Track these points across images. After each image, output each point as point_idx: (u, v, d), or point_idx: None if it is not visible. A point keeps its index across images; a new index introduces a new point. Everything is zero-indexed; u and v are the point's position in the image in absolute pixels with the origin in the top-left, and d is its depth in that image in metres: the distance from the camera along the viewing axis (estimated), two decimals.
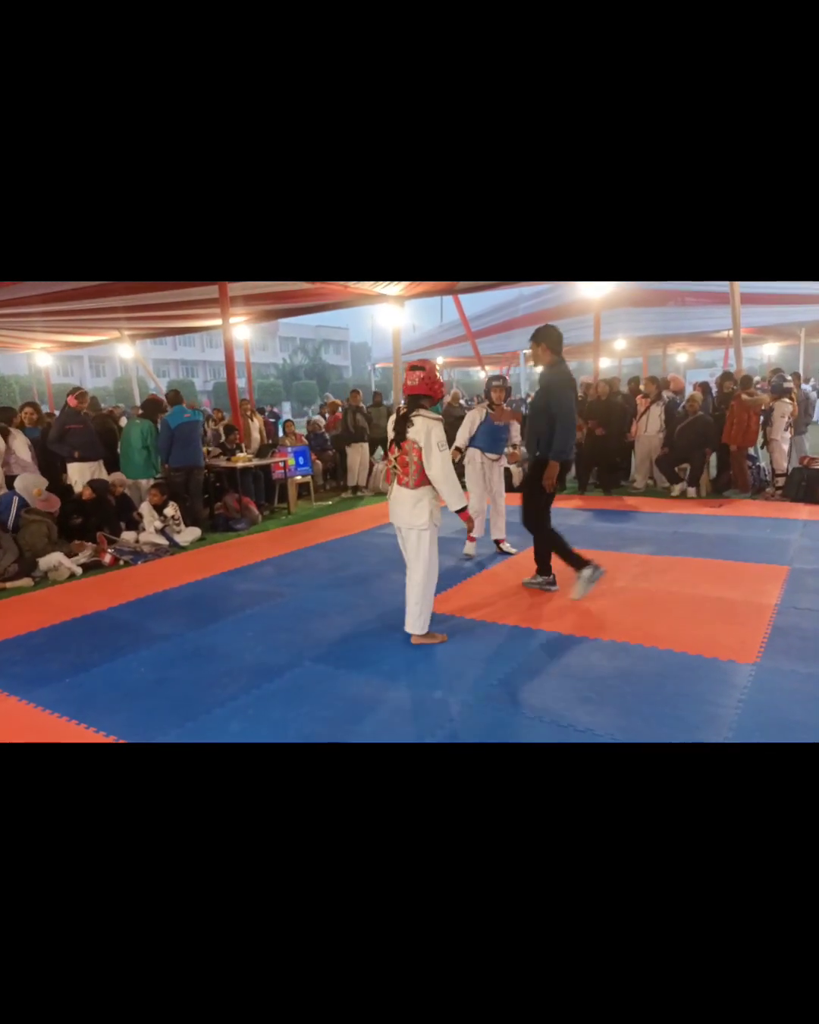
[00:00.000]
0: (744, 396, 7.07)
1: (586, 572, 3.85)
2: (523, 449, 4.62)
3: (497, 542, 5.19)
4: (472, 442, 4.91)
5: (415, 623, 3.42)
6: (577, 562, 3.88)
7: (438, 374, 3.28)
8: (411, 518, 3.25)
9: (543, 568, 4.19)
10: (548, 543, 4.04)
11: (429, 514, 3.24)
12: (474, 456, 4.93)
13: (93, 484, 6.07)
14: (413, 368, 3.24)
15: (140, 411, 7.11)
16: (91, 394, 7.02)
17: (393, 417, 3.34)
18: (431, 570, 3.34)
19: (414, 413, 3.18)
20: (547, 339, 3.87)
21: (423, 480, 3.21)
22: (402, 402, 3.37)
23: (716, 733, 2.42)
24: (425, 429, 3.13)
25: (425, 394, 3.22)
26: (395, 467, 3.27)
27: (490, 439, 4.90)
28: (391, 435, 3.29)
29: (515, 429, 4.97)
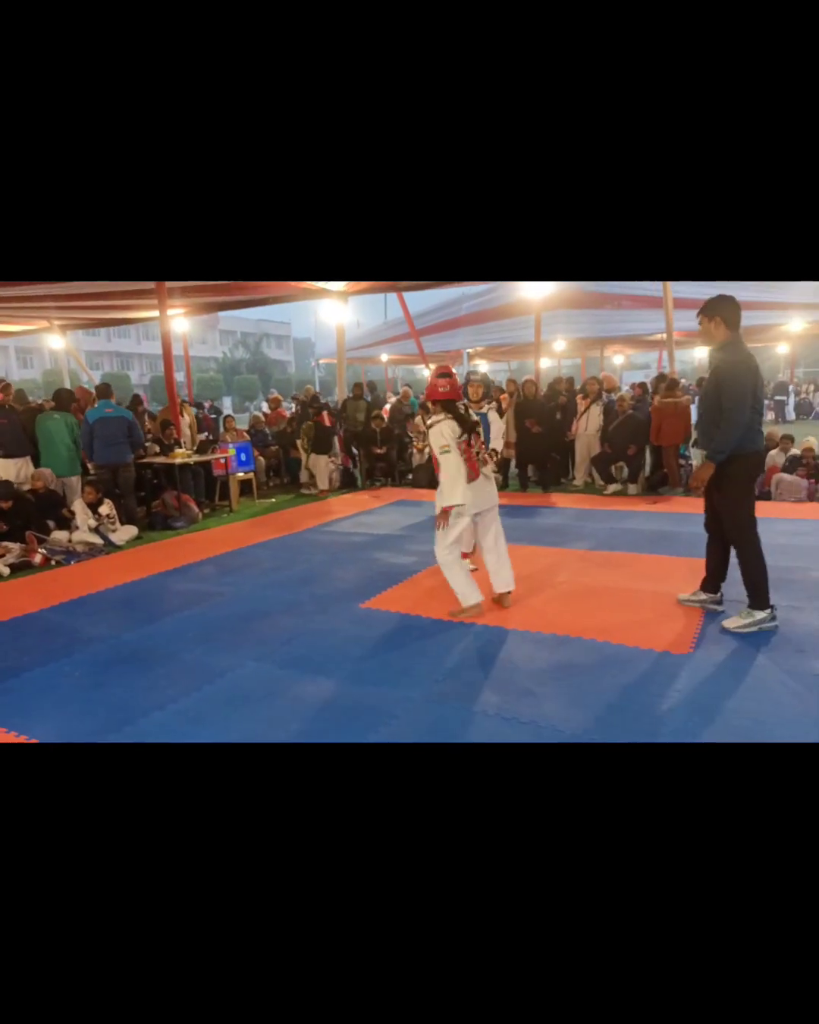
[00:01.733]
0: (666, 398, 7.36)
1: (763, 615, 3.33)
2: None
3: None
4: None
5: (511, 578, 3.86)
6: (762, 594, 3.33)
7: (454, 379, 3.60)
8: (496, 497, 3.77)
9: (751, 595, 3.33)
10: (754, 558, 3.29)
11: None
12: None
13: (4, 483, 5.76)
14: (442, 375, 3.55)
15: (52, 404, 6.80)
16: (16, 387, 6.69)
17: (450, 421, 3.49)
18: None
19: (477, 407, 3.83)
20: (723, 312, 3.19)
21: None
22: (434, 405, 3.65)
23: (654, 722, 2.51)
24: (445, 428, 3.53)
25: (454, 400, 3.55)
26: (479, 455, 3.61)
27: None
28: (460, 431, 3.49)
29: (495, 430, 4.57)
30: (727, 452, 3.19)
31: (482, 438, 3.64)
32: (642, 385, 8.88)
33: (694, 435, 7.53)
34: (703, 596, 3.67)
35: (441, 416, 3.49)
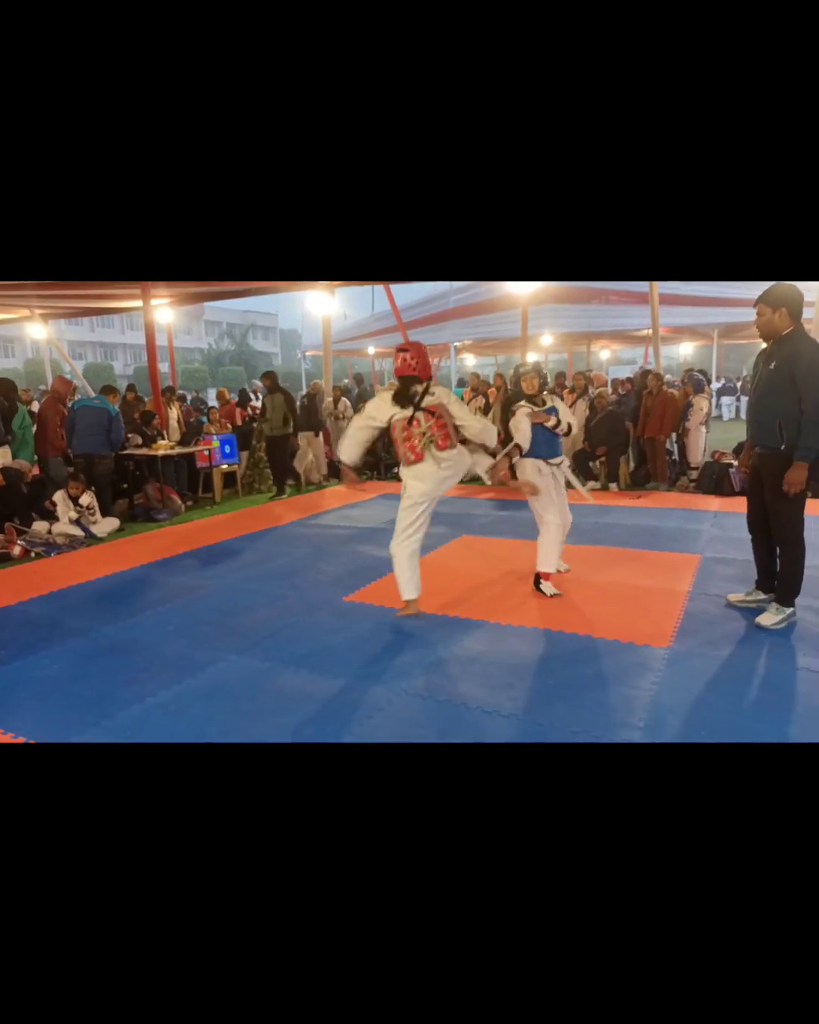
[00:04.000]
0: (666, 389, 7.38)
1: (790, 611, 3.33)
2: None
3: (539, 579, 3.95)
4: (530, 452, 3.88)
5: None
6: (793, 593, 3.32)
7: (426, 355, 3.39)
8: (468, 467, 3.46)
9: (784, 592, 3.32)
10: (799, 558, 3.24)
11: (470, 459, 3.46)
12: (535, 467, 3.86)
13: (6, 471, 5.71)
14: (400, 350, 3.37)
15: None
16: None
17: (387, 395, 3.39)
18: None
19: (431, 384, 3.35)
20: (789, 302, 3.06)
21: (454, 442, 3.37)
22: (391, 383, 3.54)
23: (632, 713, 2.53)
24: (444, 393, 3.36)
25: (415, 376, 3.33)
26: (427, 439, 3.30)
27: (546, 441, 3.86)
28: (401, 411, 3.31)
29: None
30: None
31: (442, 421, 3.27)
32: (629, 381, 8.87)
33: (687, 421, 7.59)
34: (761, 595, 3.53)
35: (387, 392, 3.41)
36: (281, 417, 7.46)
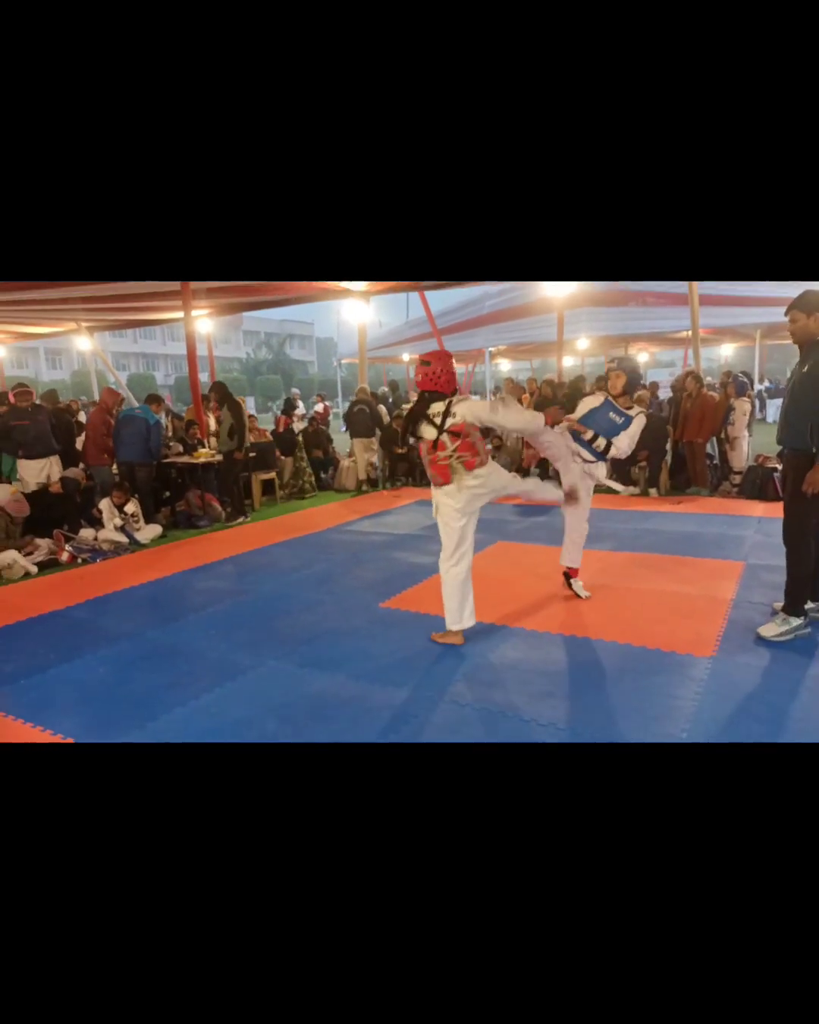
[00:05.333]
0: (705, 392, 7.24)
1: (799, 622, 3.23)
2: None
3: (567, 574, 3.96)
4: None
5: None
6: (799, 601, 3.23)
7: (449, 365, 3.13)
8: (498, 487, 3.21)
9: (788, 599, 3.25)
10: (801, 563, 3.19)
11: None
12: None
13: (64, 481, 5.93)
14: (423, 362, 3.13)
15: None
16: (46, 388, 6.81)
17: (407, 410, 3.29)
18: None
19: (450, 402, 3.07)
20: None
21: (485, 458, 3.14)
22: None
23: (674, 725, 2.48)
24: (469, 409, 3.06)
25: (434, 390, 3.10)
26: (455, 460, 3.06)
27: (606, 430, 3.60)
28: (429, 432, 3.11)
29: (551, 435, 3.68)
30: None
31: (470, 440, 3.05)
32: (686, 376, 8.30)
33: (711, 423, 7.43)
34: (788, 624, 3.33)
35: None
36: (228, 431, 6.70)
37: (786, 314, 3.14)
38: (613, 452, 3.58)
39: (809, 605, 3.42)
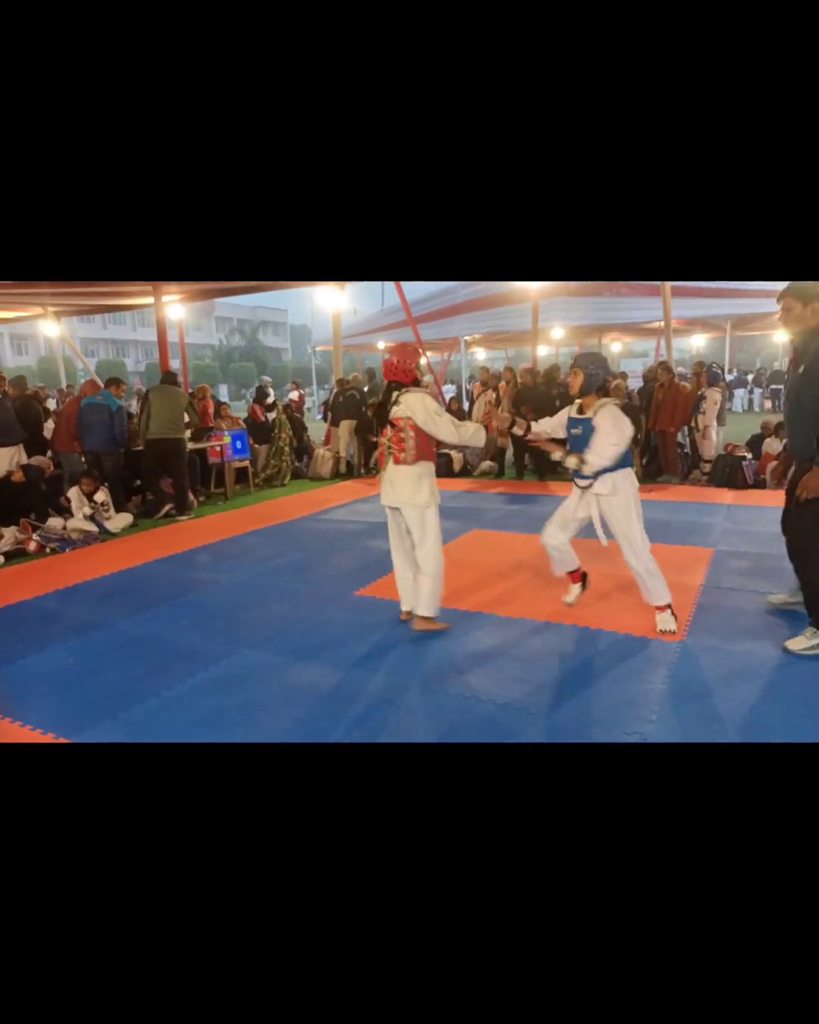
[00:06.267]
0: (677, 381, 7.33)
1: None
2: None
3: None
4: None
5: (429, 604, 3.25)
6: None
7: (409, 358, 3.21)
8: (413, 496, 3.16)
9: (813, 612, 3.01)
10: (814, 576, 2.97)
11: (430, 492, 3.19)
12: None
13: (25, 468, 5.79)
14: (389, 352, 3.30)
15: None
16: (13, 374, 6.65)
17: (376, 400, 3.32)
18: (439, 548, 3.24)
19: (400, 392, 3.16)
20: None
21: (420, 456, 3.17)
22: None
23: (646, 708, 2.53)
24: (418, 403, 3.11)
25: (398, 381, 3.20)
26: (390, 447, 3.20)
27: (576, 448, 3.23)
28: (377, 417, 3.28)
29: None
30: None
31: (400, 436, 3.12)
32: (662, 366, 8.28)
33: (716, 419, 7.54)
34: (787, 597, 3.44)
35: None
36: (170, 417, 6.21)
37: (778, 301, 2.95)
38: (586, 467, 3.13)
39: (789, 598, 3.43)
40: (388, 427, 3.20)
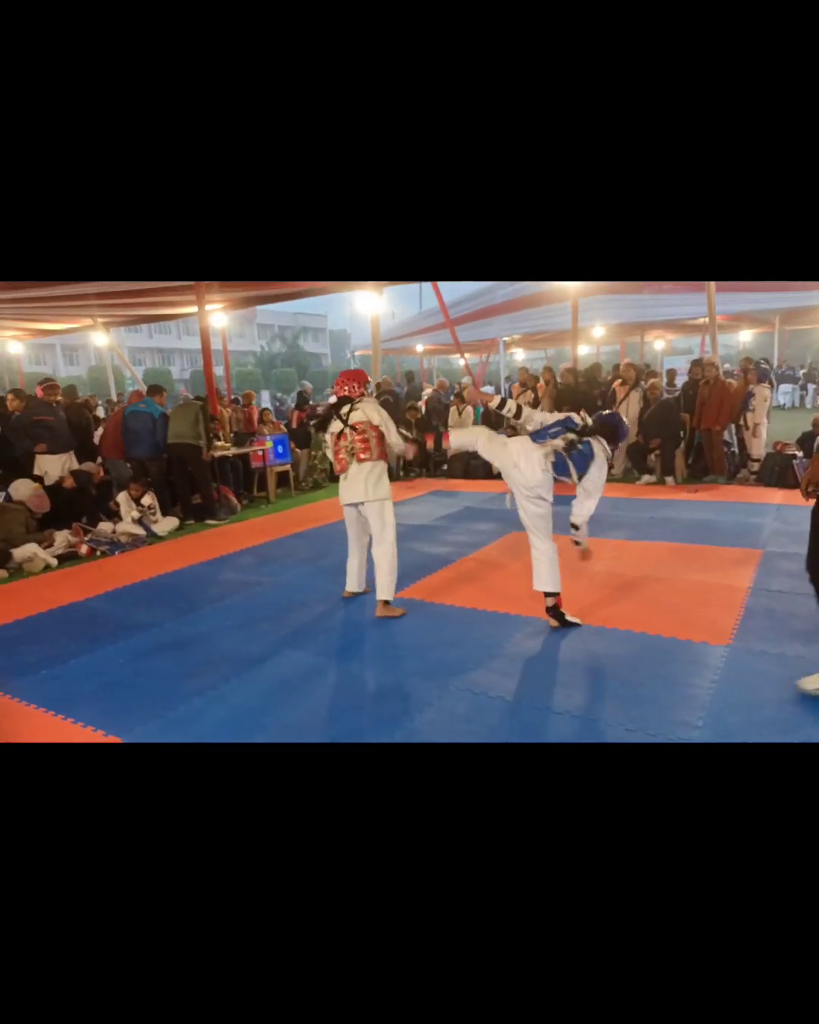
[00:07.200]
0: (723, 378, 7.13)
1: None
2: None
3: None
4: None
5: (388, 589, 3.66)
6: None
7: (358, 379, 3.84)
8: (374, 491, 3.61)
9: None
10: None
11: (387, 487, 3.68)
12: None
13: (76, 474, 6.00)
14: (341, 375, 3.91)
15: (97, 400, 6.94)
16: (62, 384, 6.88)
17: (324, 411, 3.69)
18: (394, 539, 3.72)
19: (354, 403, 3.70)
20: None
21: (381, 454, 3.68)
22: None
23: (691, 713, 2.47)
24: (373, 409, 3.70)
25: (349, 396, 3.79)
26: (351, 450, 3.63)
27: (560, 462, 3.29)
28: (337, 427, 3.73)
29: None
30: None
31: (364, 436, 3.59)
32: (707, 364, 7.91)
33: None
34: None
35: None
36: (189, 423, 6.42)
37: None
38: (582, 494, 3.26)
39: None
40: (346, 432, 3.66)
